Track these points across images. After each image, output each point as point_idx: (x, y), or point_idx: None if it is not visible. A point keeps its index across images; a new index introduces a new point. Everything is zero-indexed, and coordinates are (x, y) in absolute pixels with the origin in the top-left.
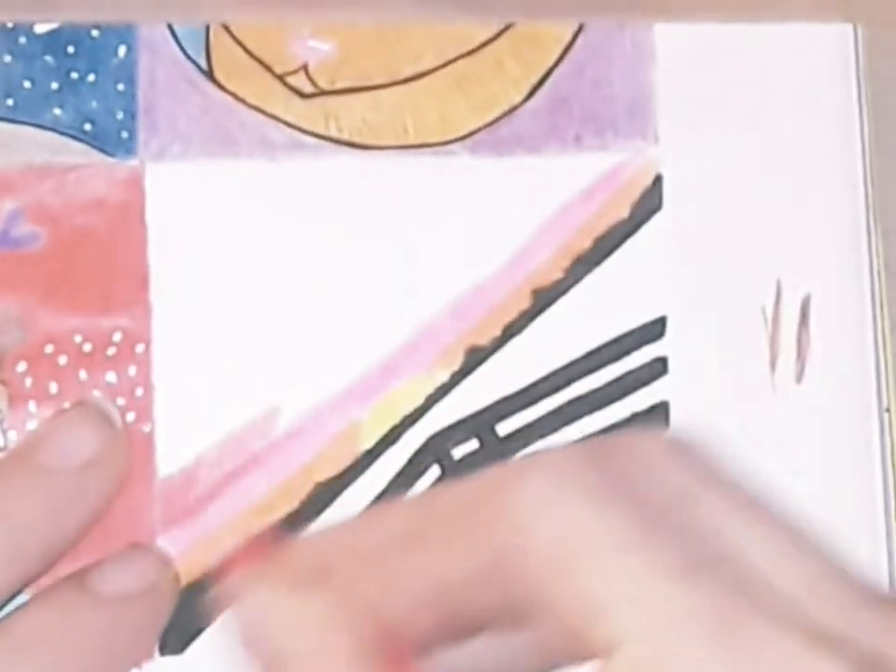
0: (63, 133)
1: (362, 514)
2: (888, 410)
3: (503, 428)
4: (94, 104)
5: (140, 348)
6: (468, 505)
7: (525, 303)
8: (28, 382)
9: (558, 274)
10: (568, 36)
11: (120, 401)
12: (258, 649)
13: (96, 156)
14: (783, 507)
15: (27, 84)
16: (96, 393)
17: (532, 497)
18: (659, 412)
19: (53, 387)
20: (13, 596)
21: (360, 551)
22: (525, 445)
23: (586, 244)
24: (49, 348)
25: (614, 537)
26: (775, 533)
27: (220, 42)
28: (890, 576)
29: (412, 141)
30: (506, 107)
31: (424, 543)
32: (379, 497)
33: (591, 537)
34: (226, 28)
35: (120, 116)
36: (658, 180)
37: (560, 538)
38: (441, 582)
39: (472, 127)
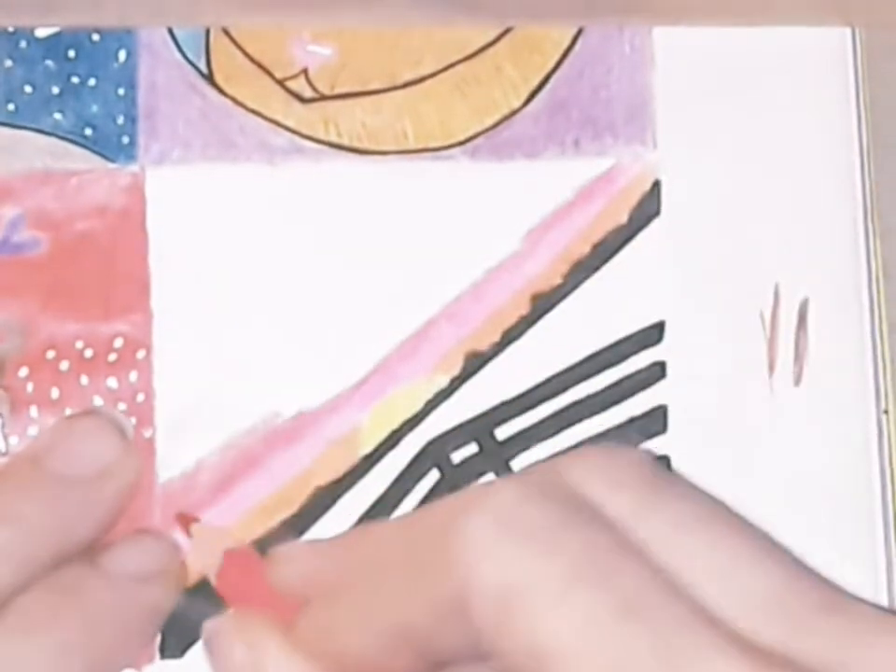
0: (63, 138)
1: (342, 535)
2: (885, 412)
3: (502, 433)
4: (95, 108)
5: (141, 354)
6: (422, 545)
7: (524, 308)
8: (29, 387)
9: (557, 280)
10: (567, 40)
11: (122, 407)
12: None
13: (97, 161)
14: (747, 513)
15: (28, 89)
16: (97, 399)
17: (472, 540)
18: (657, 416)
19: (55, 393)
20: None
21: (335, 582)
22: (524, 449)
23: (585, 249)
24: (51, 354)
25: (554, 578)
26: (730, 546)
27: (220, 46)
28: (889, 577)
29: (411, 146)
30: (505, 111)
31: (389, 583)
32: (379, 501)
33: (532, 579)
34: (226, 32)
35: (121, 120)
36: (656, 185)
37: (502, 581)
38: (405, 625)
39: (472, 132)
